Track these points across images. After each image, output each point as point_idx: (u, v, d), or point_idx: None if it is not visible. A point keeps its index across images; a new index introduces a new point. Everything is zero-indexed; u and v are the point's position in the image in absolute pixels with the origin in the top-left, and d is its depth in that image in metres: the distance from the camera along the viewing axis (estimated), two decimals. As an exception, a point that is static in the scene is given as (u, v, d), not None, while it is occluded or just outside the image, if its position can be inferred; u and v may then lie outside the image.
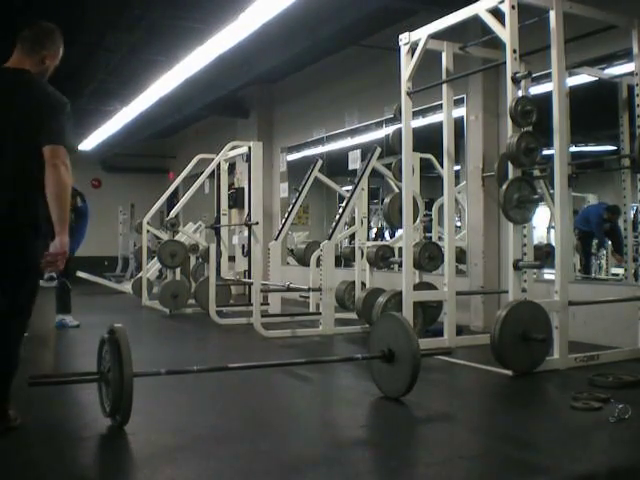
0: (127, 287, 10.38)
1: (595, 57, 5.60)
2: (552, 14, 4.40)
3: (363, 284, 6.58)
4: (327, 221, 10.15)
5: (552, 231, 7.47)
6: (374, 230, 10.92)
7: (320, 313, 6.22)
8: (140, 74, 8.91)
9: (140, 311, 8.49)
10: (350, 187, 6.70)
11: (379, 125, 8.39)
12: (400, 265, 5.75)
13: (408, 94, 5.24)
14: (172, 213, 8.65)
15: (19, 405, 3.56)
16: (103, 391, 3.17)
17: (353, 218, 6.76)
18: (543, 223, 8.04)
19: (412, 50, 5.21)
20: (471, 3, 4.70)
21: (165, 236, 8.71)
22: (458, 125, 5.64)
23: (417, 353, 3.40)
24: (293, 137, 10.47)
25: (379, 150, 6.42)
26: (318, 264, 6.28)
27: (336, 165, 8.92)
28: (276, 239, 7.15)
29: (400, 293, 5.24)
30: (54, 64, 3.10)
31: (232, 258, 8.87)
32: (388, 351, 3.54)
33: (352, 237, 7.04)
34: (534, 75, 4.75)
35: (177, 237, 8.61)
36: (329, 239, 6.21)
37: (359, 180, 6.35)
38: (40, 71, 3.01)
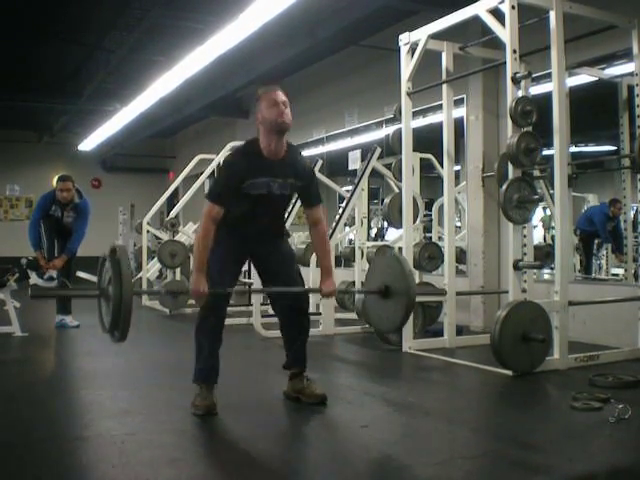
0: (127, 287, 10.37)
1: (595, 57, 5.59)
2: (552, 14, 4.40)
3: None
4: (327, 221, 10.15)
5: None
6: (374, 230, 10.92)
7: (320, 313, 6.21)
8: (140, 74, 8.92)
9: (140, 311, 8.48)
10: (350, 187, 6.70)
11: (379, 125, 8.39)
12: (400, 265, 5.74)
13: (408, 94, 5.24)
14: (172, 213, 8.64)
15: (19, 405, 3.57)
16: (103, 308, 3.16)
17: (353, 218, 6.76)
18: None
19: (412, 50, 5.21)
20: (471, 3, 4.70)
21: (165, 236, 8.70)
22: (458, 125, 5.63)
23: (413, 289, 3.43)
24: (293, 137, 10.29)
25: (379, 150, 6.42)
26: (318, 264, 6.26)
27: (336, 165, 8.92)
28: (276, 239, 7.13)
29: (400, 293, 5.23)
30: None
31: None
32: (385, 288, 3.54)
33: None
34: (534, 75, 4.75)
35: (177, 237, 8.60)
36: (329, 239, 6.20)
37: (359, 180, 6.35)
38: None
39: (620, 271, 7.19)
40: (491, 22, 4.49)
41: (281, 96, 3.31)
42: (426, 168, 6.83)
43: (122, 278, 2.93)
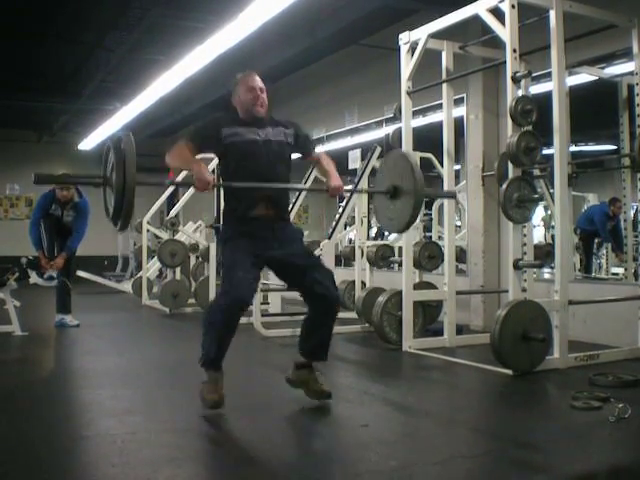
0: (127, 286, 10.38)
1: (595, 56, 5.59)
2: (552, 13, 4.40)
3: (363, 283, 6.58)
4: (327, 220, 10.15)
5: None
6: (374, 230, 10.92)
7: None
8: (140, 73, 8.92)
9: (140, 310, 8.49)
10: (350, 186, 6.70)
11: (379, 124, 8.38)
12: (400, 264, 5.75)
13: (408, 93, 5.24)
14: (172, 212, 8.65)
15: (19, 405, 3.57)
16: (107, 195, 3.16)
17: (353, 218, 6.76)
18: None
19: (412, 49, 5.21)
20: (471, 2, 4.69)
21: (165, 235, 8.71)
22: (458, 124, 5.63)
23: (420, 184, 3.43)
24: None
25: (379, 149, 6.41)
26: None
27: (336, 164, 8.89)
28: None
29: (400, 292, 5.24)
30: None
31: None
32: (393, 188, 3.56)
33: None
34: (534, 74, 4.75)
35: (177, 236, 8.60)
36: (329, 239, 6.21)
37: (359, 179, 6.34)
38: None
39: (620, 270, 7.19)
40: (491, 21, 4.49)
41: (258, 82, 3.45)
42: (426, 167, 6.82)
43: (125, 165, 2.92)
